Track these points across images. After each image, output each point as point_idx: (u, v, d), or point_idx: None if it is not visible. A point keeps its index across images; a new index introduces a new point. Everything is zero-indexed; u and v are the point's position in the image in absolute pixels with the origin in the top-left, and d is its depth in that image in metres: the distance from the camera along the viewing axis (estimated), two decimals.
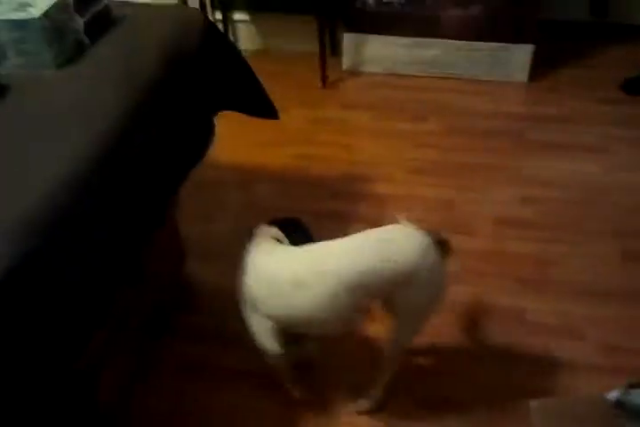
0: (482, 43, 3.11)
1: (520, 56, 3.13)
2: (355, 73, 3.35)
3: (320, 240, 1.62)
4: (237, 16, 3.45)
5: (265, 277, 1.61)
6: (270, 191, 2.56)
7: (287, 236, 1.69)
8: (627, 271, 2.30)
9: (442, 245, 1.59)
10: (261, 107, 2.25)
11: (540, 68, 3.25)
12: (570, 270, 2.31)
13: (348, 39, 3.28)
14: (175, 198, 2.16)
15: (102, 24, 1.79)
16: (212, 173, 2.69)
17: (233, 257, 1.67)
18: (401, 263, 1.53)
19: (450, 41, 3.13)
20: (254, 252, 1.65)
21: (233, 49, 2.11)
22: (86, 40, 1.73)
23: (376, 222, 1.67)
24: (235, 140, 2.86)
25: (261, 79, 3.27)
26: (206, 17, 2.01)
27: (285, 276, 1.58)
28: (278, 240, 1.67)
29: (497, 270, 2.31)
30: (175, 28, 1.83)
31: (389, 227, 1.62)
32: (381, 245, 1.56)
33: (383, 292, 1.59)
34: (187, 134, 1.91)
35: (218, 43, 2.03)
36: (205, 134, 2.03)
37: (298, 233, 1.71)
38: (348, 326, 1.74)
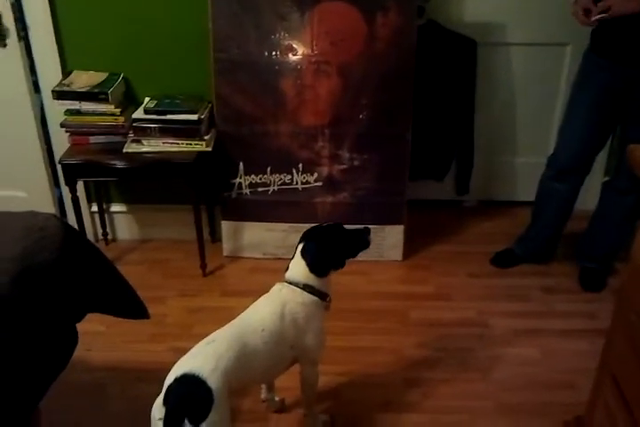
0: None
1: (392, 236, 3.23)
2: (235, 259, 3.35)
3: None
4: (114, 208, 3.45)
5: None
6: (147, 394, 2.43)
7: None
8: None
9: None
10: (130, 307, 2.19)
11: (414, 246, 3.36)
12: None
13: (226, 226, 3.31)
14: (37, 414, 2.01)
15: None
16: (86, 377, 2.55)
17: None
18: None
19: None
20: None
21: (96, 252, 2.07)
22: None
23: None
24: (109, 336, 2.75)
25: (140, 270, 3.27)
26: (64, 222, 1.97)
27: None
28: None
29: None
30: (27, 241, 1.78)
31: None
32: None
33: None
34: (43, 346, 1.81)
35: (79, 248, 1.99)
36: (66, 345, 1.93)
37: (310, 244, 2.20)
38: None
